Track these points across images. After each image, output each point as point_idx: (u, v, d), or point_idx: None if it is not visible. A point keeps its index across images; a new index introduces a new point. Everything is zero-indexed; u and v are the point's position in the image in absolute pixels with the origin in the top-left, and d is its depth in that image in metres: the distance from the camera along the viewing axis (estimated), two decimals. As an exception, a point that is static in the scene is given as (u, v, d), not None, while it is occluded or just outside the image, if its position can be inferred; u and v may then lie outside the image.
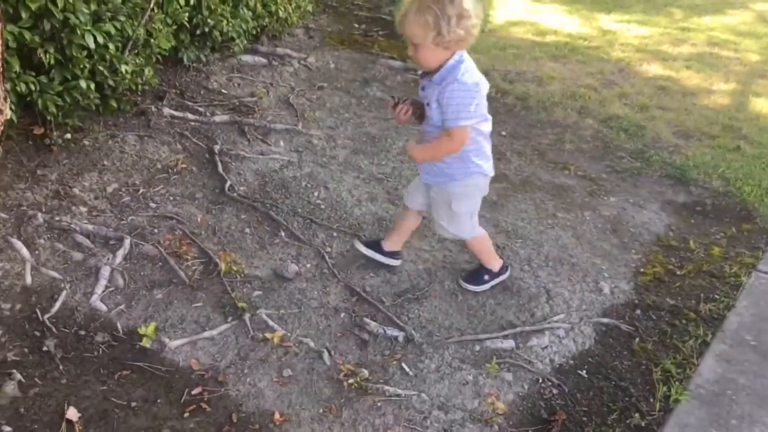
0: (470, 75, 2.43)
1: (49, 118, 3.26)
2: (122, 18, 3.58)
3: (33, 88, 3.08)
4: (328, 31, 6.44)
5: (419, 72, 2.68)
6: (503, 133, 4.63)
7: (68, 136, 3.46)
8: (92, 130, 3.61)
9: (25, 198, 2.99)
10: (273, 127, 4.28)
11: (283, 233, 3.28)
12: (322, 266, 3.08)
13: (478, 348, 2.72)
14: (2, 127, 1.95)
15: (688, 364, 2.66)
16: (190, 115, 4.15)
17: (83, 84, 3.35)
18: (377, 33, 6.58)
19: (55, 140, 3.35)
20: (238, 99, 4.58)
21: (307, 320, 2.75)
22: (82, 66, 3.31)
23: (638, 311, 3.01)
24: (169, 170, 3.59)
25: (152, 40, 3.84)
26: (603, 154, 4.51)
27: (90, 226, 2.92)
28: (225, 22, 4.68)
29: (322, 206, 3.59)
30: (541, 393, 2.54)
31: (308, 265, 3.08)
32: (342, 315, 2.80)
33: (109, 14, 3.49)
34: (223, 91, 4.66)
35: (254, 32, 5.34)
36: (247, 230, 3.26)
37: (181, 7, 4.05)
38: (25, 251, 2.66)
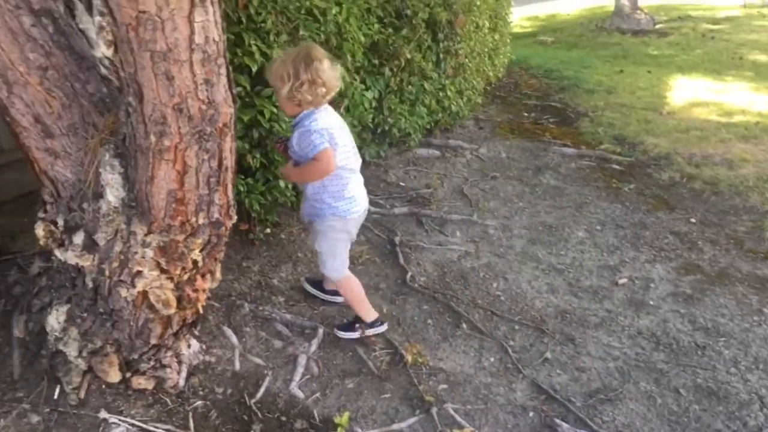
0: (318, 123, 2.64)
1: (253, 215, 3.61)
2: (316, 123, 3.93)
3: (242, 189, 3.45)
4: (497, 121, 6.60)
5: None
6: (692, 220, 4.37)
7: (268, 230, 3.80)
8: (288, 224, 3.94)
9: (233, 288, 3.30)
10: (449, 218, 4.39)
11: (464, 325, 3.29)
12: (505, 360, 3.03)
13: (683, 459, 2.49)
14: (227, 232, 2.21)
15: None
16: (372, 208, 4.38)
17: (282, 184, 3.69)
18: (547, 120, 6.61)
19: (257, 235, 3.69)
20: (414, 191, 4.78)
21: (495, 417, 2.70)
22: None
23: None
24: (355, 261, 3.78)
25: (341, 141, 4.15)
26: (812, 241, 4.08)
27: (288, 316, 3.14)
28: (403, 119, 4.98)
29: (502, 297, 3.57)
30: None
31: (491, 359, 3.05)
32: (531, 414, 2.71)
33: (305, 120, 3.86)
34: (400, 183, 4.89)
35: (428, 126, 5.61)
36: (430, 321, 3.32)
37: (366, 110, 4.37)
38: (234, 339, 2.91)
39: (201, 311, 2.52)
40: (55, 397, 2.39)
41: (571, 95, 7.58)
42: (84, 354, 2.29)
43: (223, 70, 1.83)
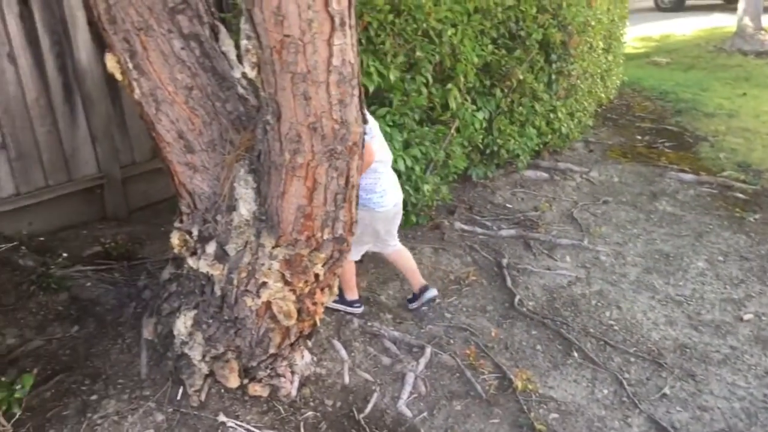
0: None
1: (363, 231, 3.67)
2: (427, 143, 3.97)
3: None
4: (609, 144, 6.39)
5: None
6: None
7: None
8: (397, 242, 3.98)
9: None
10: (558, 242, 4.28)
11: (575, 354, 3.19)
12: (620, 393, 2.91)
13: None
14: (349, 248, 2.26)
15: None
16: (478, 229, 4.35)
17: (393, 201, 3.73)
18: (663, 144, 6.34)
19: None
20: (522, 213, 4.70)
21: (609, 452, 2.59)
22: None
23: None
24: (461, 282, 3.76)
25: (450, 161, 4.17)
26: None
27: (396, 333, 3.16)
28: (512, 141, 4.92)
29: (616, 327, 3.43)
30: None
31: (605, 391, 2.93)
32: (648, 452, 2.59)
33: (417, 140, 3.90)
34: (507, 205, 4.83)
35: (536, 148, 5.52)
36: (539, 347, 3.24)
37: (476, 131, 4.36)
38: (343, 352, 2.96)
39: (317, 324, 2.58)
40: (178, 397, 2.51)
41: (689, 119, 7.23)
42: (207, 359, 2.41)
43: (356, 91, 1.89)
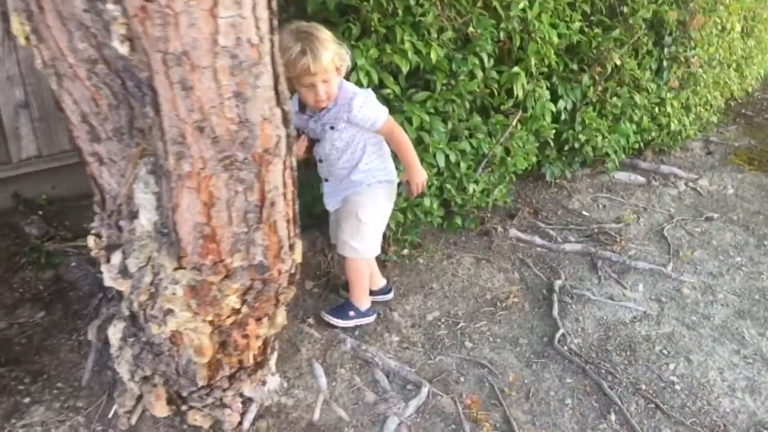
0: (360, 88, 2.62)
1: (387, 233, 3.19)
2: (480, 136, 3.39)
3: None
4: (734, 146, 5.39)
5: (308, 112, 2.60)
6: None
7: (405, 251, 3.37)
8: (429, 248, 3.46)
9: (341, 321, 2.93)
10: (634, 265, 3.56)
11: (613, 416, 2.56)
12: (656, 483, 2.27)
13: None
14: (284, 275, 1.81)
15: None
16: (538, 240, 3.72)
17: (427, 202, 3.23)
18: (802, 152, 5.24)
19: (390, 256, 3.27)
20: (598, 224, 3.99)
21: None
22: (429, 183, 3.18)
23: None
24: (498, 303, 3.19)
25: (508, 158, 3.55)
26: None
27: (393, 363, 2.67)
28: (600, 137, 4.18)
29: (677, 386, 2.74)
30: None
31: (637, 476, 2.30)
32: None
33: (467, 132, 3.33)
34: (584, 212, 4.13)
35: (636, 146, 4.71)
36: (569, 401, 2.63)
37: (547, 126, 3.69)
38: (323, 381, 2.53)
39: (270, 352, 2.17)
40: (110, 416, 2.21)
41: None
42: (136, 378, 2.07)
43: (266, 81, 1.41)
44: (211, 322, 1.77)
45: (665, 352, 2.94)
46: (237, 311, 1.77)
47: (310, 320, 2.87)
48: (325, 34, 2.37)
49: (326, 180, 2.75)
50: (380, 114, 2.55)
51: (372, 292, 2.98)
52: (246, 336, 1.89)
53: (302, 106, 2.59)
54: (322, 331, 2.80)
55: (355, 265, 2.81)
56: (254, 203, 1.56)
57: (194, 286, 1.68)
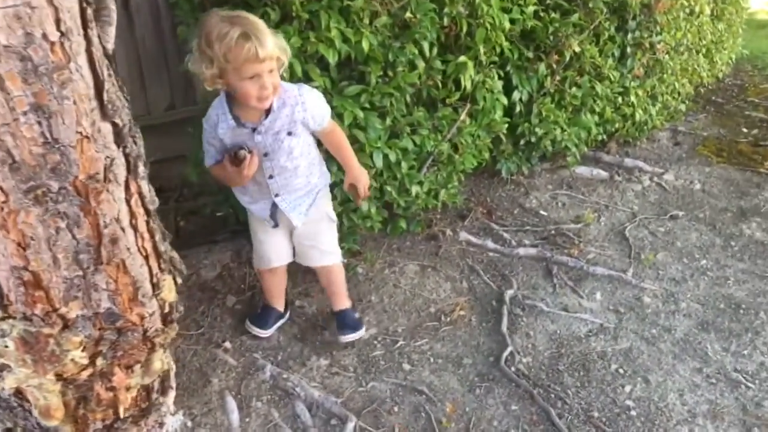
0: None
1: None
2: (424, 132, 3.08)
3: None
4: (702, 137, 5.15)
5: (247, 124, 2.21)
6: None
7: (343, 261, 3.06)
8: (369, 256, 3.17)
9: (262, 345, 2.61)
10: (592, 271, 3.29)
11: (561, 450, 2.30)
12: None
13: None
14: (168, 310, 1.51)
15: None
16: (490, 243, 3.44)
17: (365, 206, 2.93)
18: (772, 143, 5.01)
19: (323, 267, 2.96)
20: (556, 225, 3.72)
21: None
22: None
23: None
24: (442, 317, 2.91)
25: (457, 156, 3.26)
26: None
27: (317, 393, 2.38)
28: (559, 130, 3.90)
29: (633, 412, 2.48)
30: None
31: None
32: None
33: (408, 128, 3.03)
34: (541, 212, 3.85)
35: (599, 138, 4.44)
36: (513, 433, 2.37)
37: (498, 120, 3.39)
38: (234, 416, 2.23)
39: (163, 393, 1.86)
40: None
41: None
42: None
43: (80, 89, 1.09)
44: (60, 377, 1.46)
45: (621, 371, 2.69)
46: (86, 367, 1.45)
47: (227, 344, 2.57)
48: (259, 21, 2.06)
49: (276, 195, 2.36)
50: (327, 108, 2.35)
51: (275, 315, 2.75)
52: (112, 389, 1.58)
53: (236, 119, 2.19)
54: (238, 357, 2.49)
55: (339, 266, 2.70)
56: (85, 241, 1.24)
57: (27, 339, 1.37)
